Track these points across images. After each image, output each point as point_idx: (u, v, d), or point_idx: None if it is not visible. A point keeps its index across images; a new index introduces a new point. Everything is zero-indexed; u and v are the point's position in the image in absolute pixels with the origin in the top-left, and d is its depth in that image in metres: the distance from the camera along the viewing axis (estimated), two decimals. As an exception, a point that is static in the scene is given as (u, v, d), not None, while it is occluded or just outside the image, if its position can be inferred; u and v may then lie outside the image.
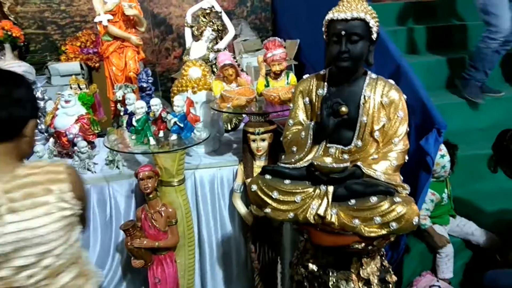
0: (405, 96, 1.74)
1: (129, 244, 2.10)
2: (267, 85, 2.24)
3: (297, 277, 1.89)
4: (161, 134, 2.07)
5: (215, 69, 2.94)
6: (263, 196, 1.70)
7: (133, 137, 2.06)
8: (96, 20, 2.68)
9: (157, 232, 2.16)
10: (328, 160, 1.70)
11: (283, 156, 1.88)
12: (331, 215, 1.59)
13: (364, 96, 1.70)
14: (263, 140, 2.22)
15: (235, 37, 4.79)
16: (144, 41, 5.25)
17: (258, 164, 2.29)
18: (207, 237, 2.52)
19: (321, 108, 1.70)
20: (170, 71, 4.99)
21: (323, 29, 1.70)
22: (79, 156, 2.34)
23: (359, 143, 1.71)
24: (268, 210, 1.69)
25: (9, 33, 4.05)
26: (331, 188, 1.62)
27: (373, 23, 1.60)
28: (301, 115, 1.84)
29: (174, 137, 2.06)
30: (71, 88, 2.85)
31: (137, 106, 1.97)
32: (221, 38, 2.95)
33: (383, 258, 1.82)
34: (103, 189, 2.32)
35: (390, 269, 1.82)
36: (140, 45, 2.79)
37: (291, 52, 3.82)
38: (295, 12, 4.17)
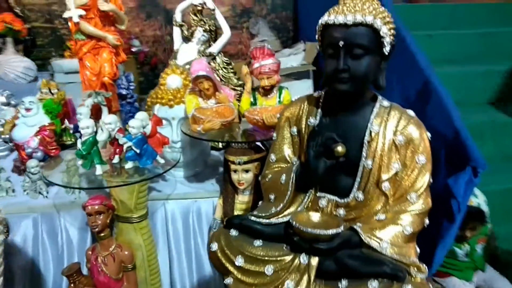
0: (428, 134, 1.25)
1: (71, 293, 1.71)
2: (253, 103, 1.78)
3: None
4: (116, 159, 1.66)
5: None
6: (224, 261, 1.26)
7: (80, 162, 1.66)
8: (65, 15, 2.30)
9: (107, 280, 1.74)
10: (315, 216, 1.23)
11: (260, 203, 1.43)
12: (313, 299, 1.13)
13: (371, 131, 1.22)
14: (247, 171, 1.76)
15: (252, 37, 4.38)
16: (155, 39, 4.98)
17: (241, 199, 1.84)
18: (180, 281, 2.09)
19: (308, 145, 1.23)
20: (183, 72, 4.63)
21: (317, 37, 1.24)
22: (29, 176, 1.96)
23: (361, 195, 1.24)
24: (229, 280, 1.24)
25: (10, 26, 3.79)
26: (315, 260, 1.16)
27: (385, 31, 1.12)
28: (287, 150, 1.38)
29: (129, 165, 1.63)
30: (41, 92, 2.49)
31: (82, 125, 1.56)
32: (215, 40, 2.51)
33: None
34: (53, 219, 1.93)
35: None
36: (119, 46, 2.40)
37: (310, 56, 3.34)
38: (319, 11, 3.68)
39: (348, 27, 1.11)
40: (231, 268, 1.24)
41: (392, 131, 1.22)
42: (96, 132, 1.63)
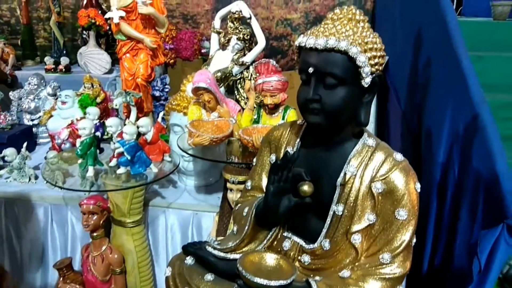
0: (418, 185, 1.04)
1: (58, 287, 1.75)
2: (257, 121, 1.67)
3: None
4: (113, 162, 1.67)
5: (238, 86, 2.44)
6: (173, 289, 1.17)
7: (80, 161, 1.69)
8: (106, 16, 2.40)
9: (94, 280, 1.76)
10: (269, 259, 1.09)
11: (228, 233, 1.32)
12: None
13: (345, 172, 1.05)
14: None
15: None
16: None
17: (237, 220, 1.74)
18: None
19: (268, 181, 1.09)
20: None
21: (295, 58, 1.09)
22: (49, 166, 2.07)
23: (327, 244, 1.07)
24: (174, 311, 1.16)
25: (93, 20, 4.13)
26: (258, 312, 1.02)
27: (363, 60, 0.94)
28: (264, 179, 1.25)
29: (121, 170, 1.63)
30: (84, 87, 2.63)
31: (79, 126, 1.59)
32: (250, 50, 2.43)
33: None
34: (62, 210, 2.02)
35: None
36: (156, 48, 2.44)
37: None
38: (392, 25, 3.40)
39: (320, 52, 0.95)
40: (178, 299, 1.16)
41: (370, 176, 1.03)
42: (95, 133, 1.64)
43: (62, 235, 2.06)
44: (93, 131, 1.64)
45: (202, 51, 4.21)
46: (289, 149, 1.16)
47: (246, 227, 1.14)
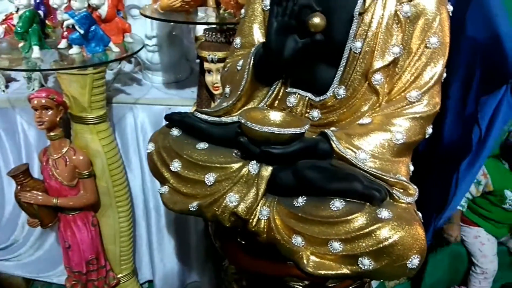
0: (450, 7, 0.87)
1: (18, 195, 1.52)
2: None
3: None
4: (63, 44, 1.37)
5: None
6: (159, 166, 0.99)
7: (21, 44, 1.38)
8: None
9: (59, 186, 1.54)
10: (275, 115, 0.92)
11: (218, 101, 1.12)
12: (259, 218, 0.85)
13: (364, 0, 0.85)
14: (223, 71, 1.44)
15: None
16: None
17: (218, 108, 1.54)
18: (153, 194, 1.88)
19: (271, 15, 0.88)
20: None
21: None
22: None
23: (342, 91, 0.90)
24: (164, 189, 0.98)
25: None
26: (267, 171, 0.86)
27: None
28: (256, 31, 1.04)
29: (74, 50, 1.34)
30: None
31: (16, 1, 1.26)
32: None
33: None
34: (9, 115, 1.72)
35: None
36: None
37: None
38: None
39: None
40: (166, 175, 0.97)
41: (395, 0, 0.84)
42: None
43: (14, 145, 1.79)
44: (32, 2, 1.31)
45: None
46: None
47: (243, 81, 0.94)
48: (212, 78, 1.48)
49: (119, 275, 1.87)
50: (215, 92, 1.51)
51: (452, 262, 2.11)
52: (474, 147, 1.56)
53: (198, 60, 1.65)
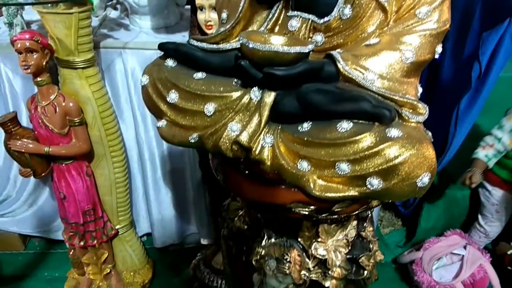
0: None
1: (8, 144, 1.47)
2: None
3: (224, 231, 1.20)
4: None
5: None
6: (154, 98, 0.94)
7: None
8: None
9: (50, 134, 1.49)
10: (276, 39, 0.86)
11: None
12: (262, 146, 0.82)
13: None
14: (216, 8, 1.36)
15: None
16: None
17: (211, 50, 1.47)
18: (147, 145, 1.85)
19: None
20: None
21: None
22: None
23: (348, 11, 0.85)
24: (161, 123, 0.94)
25: None
26: (270, 97, 0.82)
27: None
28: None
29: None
30: None
31: None
32: None
33: (364, 223, 1.07)
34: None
35: (373, 243, 1.08)
36: None
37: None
38: None
39: None
40: (163, 107, 0.93)
41: None
42: None
43: (-1, 95, 1.72)
44: None
45: None
46: None
47: (242, 2, 0.88)
48: (205, 16, 1.40)
49: (117, 226, 1.86)
50: (209, 32, 1.44)
51: (447, 207, 2.14)
52: (474, 84, 1.53)
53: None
